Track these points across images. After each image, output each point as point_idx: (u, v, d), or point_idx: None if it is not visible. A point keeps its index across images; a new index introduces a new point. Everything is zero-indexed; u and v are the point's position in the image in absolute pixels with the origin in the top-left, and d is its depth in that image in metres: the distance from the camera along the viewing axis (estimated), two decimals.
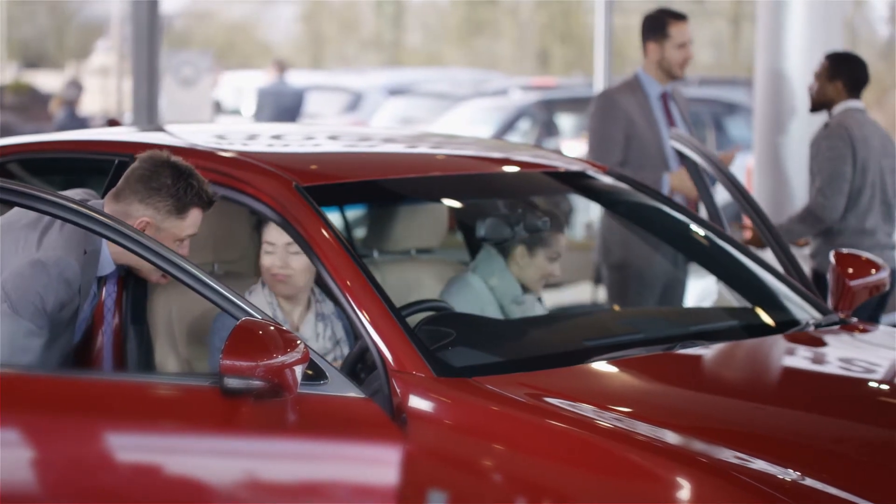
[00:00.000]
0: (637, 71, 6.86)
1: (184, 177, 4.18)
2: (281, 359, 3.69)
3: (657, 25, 6.80)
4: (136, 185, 4.19)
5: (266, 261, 4.45)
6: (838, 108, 6.43)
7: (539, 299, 5.08)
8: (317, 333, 4.49)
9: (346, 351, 4.52)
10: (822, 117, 6.61)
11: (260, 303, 4.45)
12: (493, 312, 4.88)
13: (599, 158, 6.40)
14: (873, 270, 4.81)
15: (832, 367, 4.45)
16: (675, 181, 6.52)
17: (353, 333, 4.51)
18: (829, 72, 6.44)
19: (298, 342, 3.73)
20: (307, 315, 4.52)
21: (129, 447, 3.95)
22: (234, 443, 3.88)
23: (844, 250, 4.93)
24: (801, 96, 7.48)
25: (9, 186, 3.92)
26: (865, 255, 4.90)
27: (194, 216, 4.21)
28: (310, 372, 3.84)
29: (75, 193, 4.28)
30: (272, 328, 3.73)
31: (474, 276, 4.97)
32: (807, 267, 6.34)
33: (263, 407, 3.80)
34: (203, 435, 3.90)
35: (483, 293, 4.92)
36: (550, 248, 5.00)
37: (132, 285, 4.43)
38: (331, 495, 3.80)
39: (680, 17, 6.84)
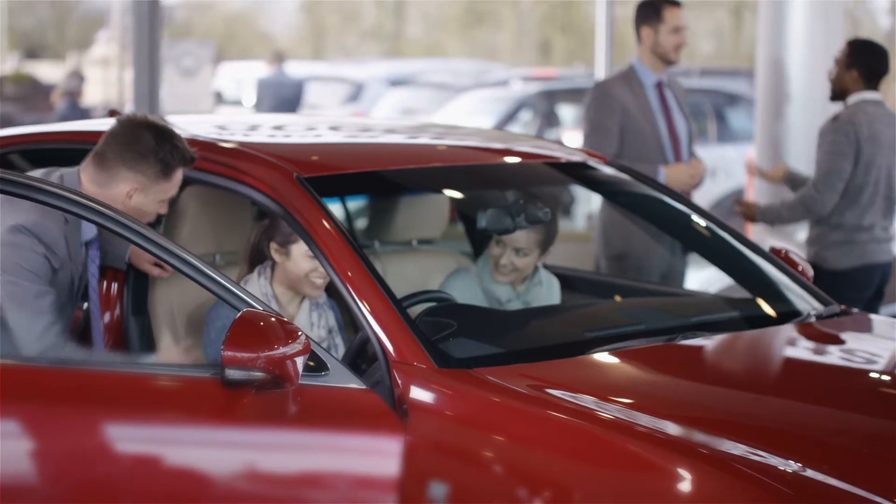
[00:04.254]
0: (632, 61, 6.84)
1: (167, 139, 4.27)
2: (282, 350, 3.69)
3: (651, 10, 6.80)
4: (120, 152, 4.25)
5: (309, 265, 4.43)
6: (852, 99, 6.33)
7: (518, 296, 4.94)
8: (311, 322, 4.48)
9: (338, 340, 4.52)
10: (822, 107, 6.57)
11: (254, 292, 4.43)
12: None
13: (596, 149, 6.39)
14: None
15: (834, 358, 4.45)
16: (671, 174, 6.52)
17: (350, 323, 4.51)
18: (847, 59, 6.34)
19: (299, 333, 3.73)
20: (302, 304, 4.51)
21: (130, 438, 3.94)
22: (235, 434, 3.88)
23: (778, 246, 5.01)
24: (802, 87, 7.47)
25: (8, 178, 3.92)
26: (792, 252, 4.96)
27: (178, 175, 4.32)
28: (311, 363, 3.84)
29: (40, 173, 4.32)
30: (273, 319, 3.73)
31: (471, 271, 4.96)
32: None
33: (264, 398, 3.80)
34: (204, 426, 3.90)
35: (475, 289, 4.90)
36: (499, 242, 4.89)
37: (133, 276, 4.42)
38: (332, 486, 3.80)
39: (674, 2, 6.85)
